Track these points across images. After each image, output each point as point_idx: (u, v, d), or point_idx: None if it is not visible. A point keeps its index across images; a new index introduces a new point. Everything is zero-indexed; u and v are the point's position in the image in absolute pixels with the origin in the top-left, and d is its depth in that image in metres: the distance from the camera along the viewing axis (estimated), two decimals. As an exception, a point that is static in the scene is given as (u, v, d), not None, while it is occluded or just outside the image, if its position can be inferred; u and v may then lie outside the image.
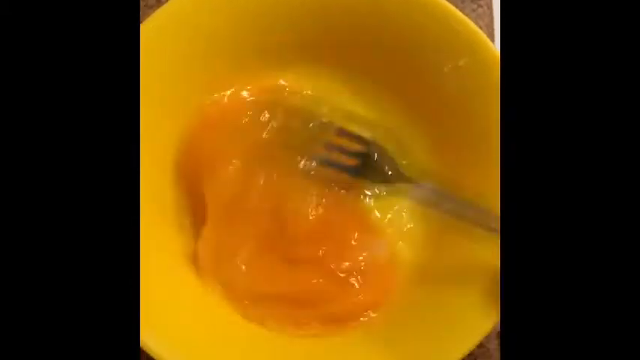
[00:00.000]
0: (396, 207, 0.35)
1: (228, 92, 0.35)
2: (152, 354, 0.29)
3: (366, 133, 0.35)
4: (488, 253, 0.30)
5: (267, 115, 0.34)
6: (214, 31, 0.33)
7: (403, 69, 0.35)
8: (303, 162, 0.34)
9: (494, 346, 0.35)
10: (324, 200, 0.34)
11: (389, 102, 0.36)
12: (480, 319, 0.30)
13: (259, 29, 0.34)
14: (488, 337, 0.35)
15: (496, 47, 0.39)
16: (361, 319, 0.33)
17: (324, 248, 0.33)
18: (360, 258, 0.33)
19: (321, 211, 0.33)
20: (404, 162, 0.35)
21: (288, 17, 0.34)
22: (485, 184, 0.31)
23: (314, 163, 0.34)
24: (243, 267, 0.33)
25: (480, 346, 0.35)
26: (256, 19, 0.34)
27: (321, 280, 0.33)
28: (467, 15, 0.39)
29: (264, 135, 0.34)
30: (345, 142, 0.34)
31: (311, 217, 0.33)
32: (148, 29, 0.31)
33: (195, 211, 0.34)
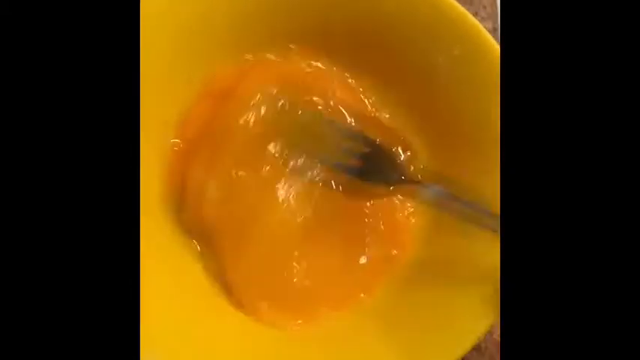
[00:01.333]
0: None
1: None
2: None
3: (368, 132, 0.33)
4: (488, 253, 0.30)
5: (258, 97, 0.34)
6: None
7: (394, 58, 0.34)
8: (300, 161, 0.33)
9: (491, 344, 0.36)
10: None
11: (381, 95, 0.35)
12: (477, 319, 0.29)
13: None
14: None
15: (498, 25, 0.39)
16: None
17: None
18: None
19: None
20: (409, 164, 0.34)
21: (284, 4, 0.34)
22: (484, 182, 0.31)
23: (312, 164, 0.33)
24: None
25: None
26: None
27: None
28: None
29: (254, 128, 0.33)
30: (347, 142, 0.33)
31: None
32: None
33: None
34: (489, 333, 0.36)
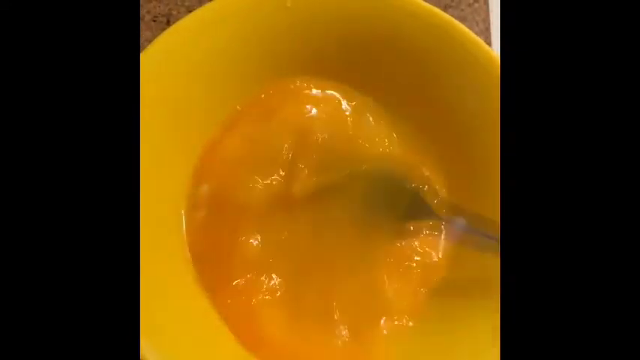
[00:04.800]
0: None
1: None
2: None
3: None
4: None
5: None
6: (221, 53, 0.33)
7: (417, 93, 0.34)
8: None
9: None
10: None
11: (401, 127, 0.35)
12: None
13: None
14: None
15: (492, 41, 0.39)
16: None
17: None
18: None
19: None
20: (430, 199, 0.33)
21: (297, 37, 0.34)
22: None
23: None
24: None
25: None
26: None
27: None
28: (462, 10, 0.39)
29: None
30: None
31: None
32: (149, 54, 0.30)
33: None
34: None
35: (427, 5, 0.32)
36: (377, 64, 0.34)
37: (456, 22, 0.32)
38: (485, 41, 0.39)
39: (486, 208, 0.31)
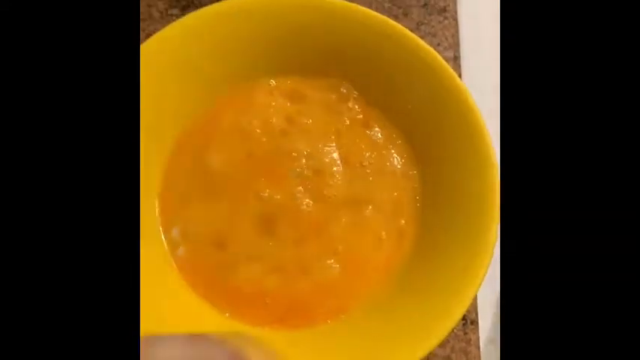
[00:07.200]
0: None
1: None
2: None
3: None
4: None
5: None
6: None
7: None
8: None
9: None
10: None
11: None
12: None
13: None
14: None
15: (461, 54, 0.42)
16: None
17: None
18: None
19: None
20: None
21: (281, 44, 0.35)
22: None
23: None
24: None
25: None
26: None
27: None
28: (433, 27, 0.42)
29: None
30: None
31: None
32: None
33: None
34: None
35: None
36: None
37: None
38: (454, 54, 0.43)
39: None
